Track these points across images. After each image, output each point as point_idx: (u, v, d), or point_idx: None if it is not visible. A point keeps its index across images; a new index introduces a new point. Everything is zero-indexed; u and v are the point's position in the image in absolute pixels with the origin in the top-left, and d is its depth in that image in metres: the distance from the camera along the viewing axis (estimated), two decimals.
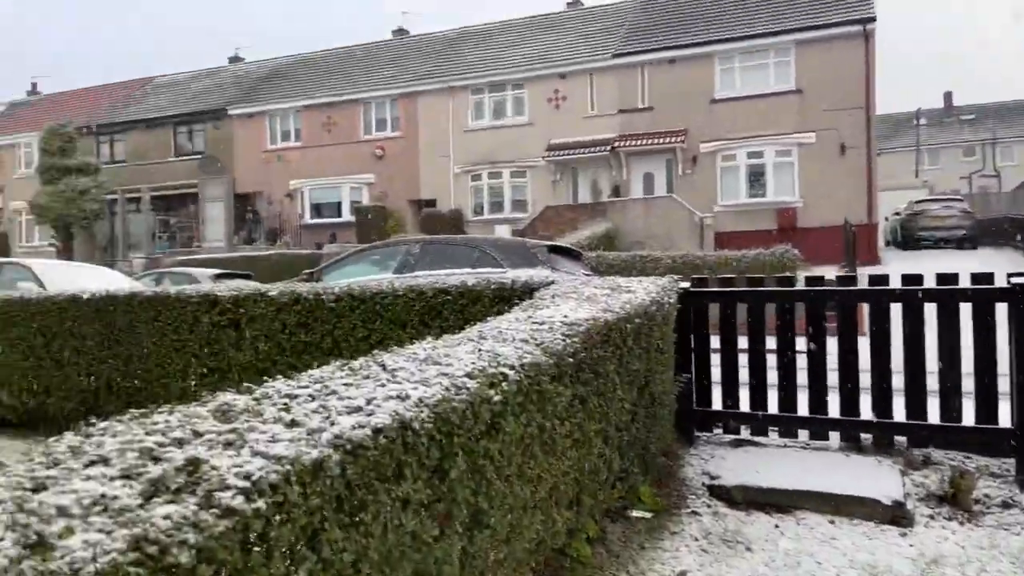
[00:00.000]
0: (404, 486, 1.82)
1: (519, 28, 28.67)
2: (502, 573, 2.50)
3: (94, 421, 1.73)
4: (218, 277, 14.59)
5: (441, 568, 2.03)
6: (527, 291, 4.54)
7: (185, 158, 29.47)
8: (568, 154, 23.90)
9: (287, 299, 5.39)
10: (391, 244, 9.09)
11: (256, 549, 1.34)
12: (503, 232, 22.05)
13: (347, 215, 26.37)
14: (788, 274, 9.24)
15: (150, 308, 5.88)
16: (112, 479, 1.30)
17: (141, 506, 1.21)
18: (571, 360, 2.85)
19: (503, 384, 2.34)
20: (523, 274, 5.29)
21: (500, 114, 25.44)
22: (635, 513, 3.82)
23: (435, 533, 1.98)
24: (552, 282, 4.64)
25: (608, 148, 23.47)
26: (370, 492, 1.69)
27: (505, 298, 4.67)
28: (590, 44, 25.54)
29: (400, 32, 31.75)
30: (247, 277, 14.72)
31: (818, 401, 4.82)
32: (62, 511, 1.16)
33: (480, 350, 2.54)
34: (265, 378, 2.22)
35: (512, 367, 2.44)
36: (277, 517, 1.38)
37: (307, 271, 8.52)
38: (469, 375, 2.24)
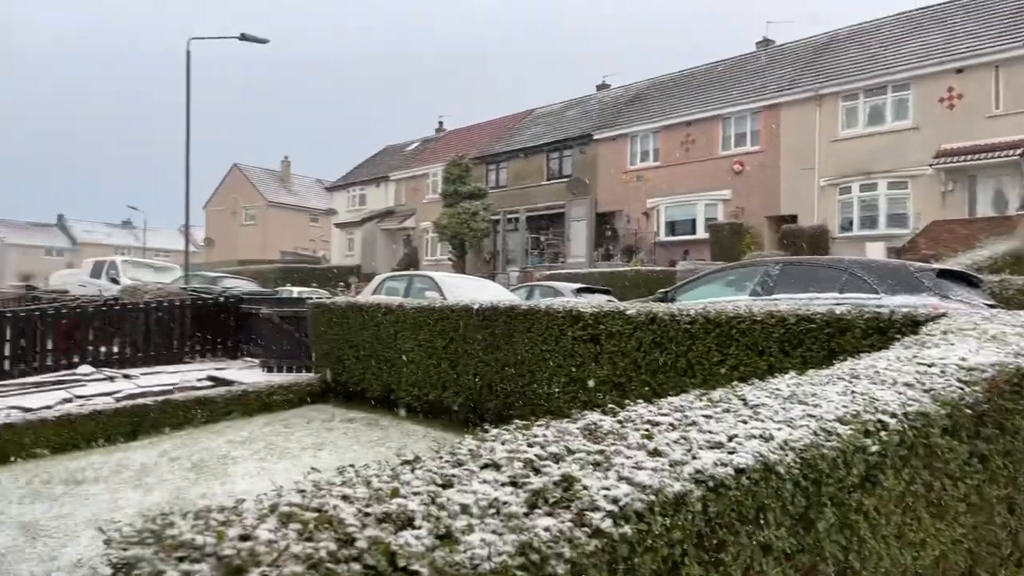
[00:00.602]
0: (766, 531, 1.75)
1: (902, 23, 25.55)
2: None
3: (486, 426, 1.99)
4: (579, 291, 15.62)
5: None
6: (910, 324, 4.01)
7: (555, 181, 32.29)
8: (964, 160, 20.51)
9: (643, 318, 5.55)
10: (748, 264, 8.79)
11: (620, 572, 1.41)
12: (875, 251, 19.80)
13: (701, 232, 26.21)
14: None
15: (524, 320, 6.55)
16: (502, 484, 1.48)
17: (526, 515, 1.36)
18: (969, 412, 2.44)
19: (881, 433, 2.10)
20: (903, 302, 4.70)
21: (877, 119, 22.93)
22: None
23: None
24: (943, 314, 4.02)
25: (1019, 152, 19.59)
26: (731, 532, 1.65)
27: (881, 330, 4.19)
28: (997, 31, 21.64)
29: (764, 43, 30.60)
30: (606, 292, 15.50)
31: None
32: (464, 509, 1.35)
33: (853, 392, 2.32)
34: (626, 401, 2.32)
35: (893, 415, 2.18)
36: (640, 545, 1.43)
37: (661, 290, 8.66)
38: (840, 420, 2.06)
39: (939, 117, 21.50)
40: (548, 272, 26.76)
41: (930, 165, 21.16)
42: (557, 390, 6.31)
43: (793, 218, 23.98)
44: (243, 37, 20.41)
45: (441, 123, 46.18)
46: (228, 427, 7.72)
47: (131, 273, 20.66)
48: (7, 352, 10.98)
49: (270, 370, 10.50)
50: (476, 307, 7.08)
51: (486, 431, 1.93)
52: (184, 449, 6.68)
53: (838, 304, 4.90)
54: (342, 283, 33.47)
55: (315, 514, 1.28)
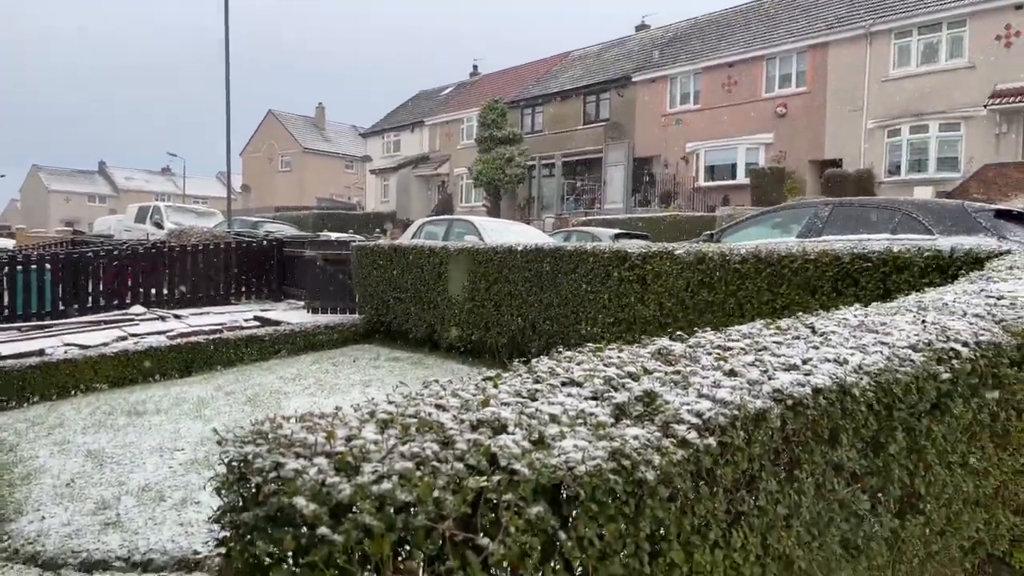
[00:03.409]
0: (838, 451, 1.77)
1: None
2: (931, 566, 2.28)
3: (529, 357, 2.03)
4: (617, 236, 15.52)
5: (868, 544, 1.93)
6: (972, 261, 3.94)
7: (592, 125, 31.76)
8: (1020, 101, 19.67)
9: (692, 258, 5.52)
10: (796, 206, 8.63)
11: (702, 483, 1.45)
12: (924, 195, 19.23)
13: (741, 177, 25.69)
14: None
15: (570, 261, 6.56)
16: (585, 399, 1.52)
17: (613, 425, 1.40)
18: None
19: (953, 361, 2.09)
20: (962, 242, 4.59)
21: (930, 58, 21.98)
22: None
23: (866, 507, 1.89)
24: (1007, 251, 3.94)
25: None
26: (805, 451, 1.68)
27: (941, 268, 4.12)
28: None
29: None
30: (643, 237, 15.38)
31: None
32: (553, 418, 1.39)
33: (924, 321, 2.30)
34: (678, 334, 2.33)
35: (965, 344, 2.17)
36: (723, 457, 1.46)
37: (707, 232, 8.57)
38: (913, 347, 2.06)
39: (996, 56, 20.56)
40: (584, 218, 26.57)
41: (984, 106, 20.34)
42: (601, 330, 6.34)
43: (838, 162, 23.37)
44: None
45: (476, 67, 45.51)
46: (277, 364, 7.94)
47: (174, 218, 21.04)
48: (60, 293, 11.36)
49: (315, 311, 10.72)
50: (520, 248, 7.09)
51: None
52: (237, 384, 6.91)
53: (895, 244, 4.81)
54: (378, 229, 33.68)
55: (414, 419, 1.34)
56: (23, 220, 62.65)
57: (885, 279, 4.37)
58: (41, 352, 7.98)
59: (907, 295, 3.18)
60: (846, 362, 1.84)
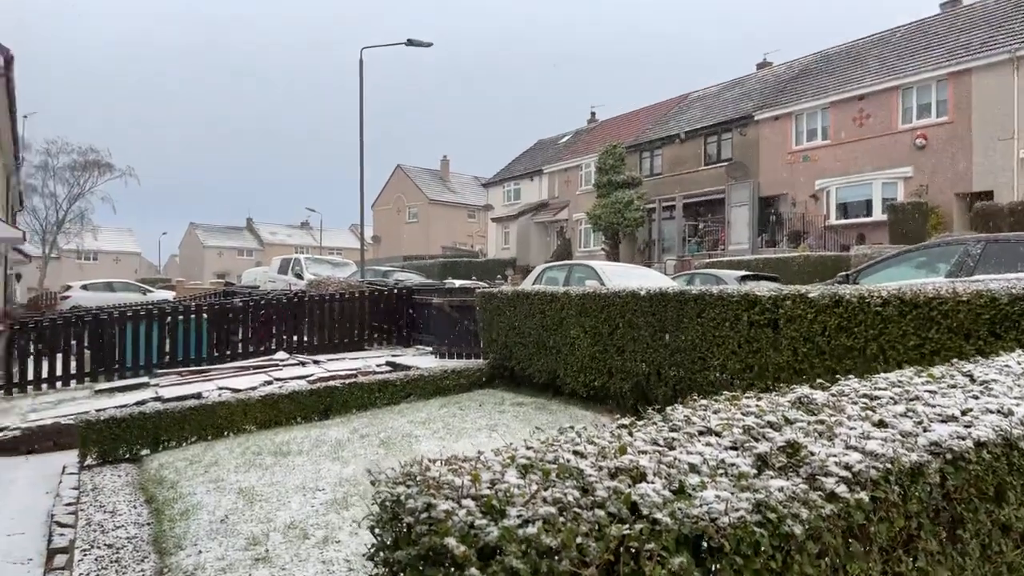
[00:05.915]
0: (1006, 510, 1.64)
1: None
2: None
3: (659, 406, 2.01)
4: (744, 279, 15.01)
5: None
6: None
7: (713, 166, 31.18)
8: None
9: (827, 301, 5.27)
10: (942, 244, 8.05)
11: (854, 540, 1.38)
12: None
13: (877, 214, 24.26)
14: None
15: (696, 305, 6.42)
16: (725, 448, 1.50)
17: (756, 476, 1.37)
18: None
19: None
20: None
21: None
22: None
23: None
24: None
25: None
26: (968, 509, 1.57)
27: None
28: None
29: (951, 3, 27.75)
30: (773, 279, 14.80)
31: None
32: (693, 468, 1.39)
33: None
34: (818, 380, 2.23)
35: None
36: (876, 513, 1.39)
37: (843, 273, 8.15)
38: None
39: None
40: (708, 260, 25.94)
41: None
42: (731, 377, 6.14)
43: (987, 195, 21.61)
44: (410, 43, 21.52)
45: (593, 113, 46.04)
46: (407, 408, 8.22)
47: (313, 269, 22.44)
48: (214, 340, 12.35)
49: (441, 356, 11.04)
50: (643, 292, 7.03)
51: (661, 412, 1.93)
52: (371, 427, 7.20)
53: None
54: (499, 276, 34.38)
55: (554, 465, 1.37)
56: (181, 273, 68.88)
57: None
58: (198, 395, 8.69)
59: None
60: (1011, 413, 1.71)
